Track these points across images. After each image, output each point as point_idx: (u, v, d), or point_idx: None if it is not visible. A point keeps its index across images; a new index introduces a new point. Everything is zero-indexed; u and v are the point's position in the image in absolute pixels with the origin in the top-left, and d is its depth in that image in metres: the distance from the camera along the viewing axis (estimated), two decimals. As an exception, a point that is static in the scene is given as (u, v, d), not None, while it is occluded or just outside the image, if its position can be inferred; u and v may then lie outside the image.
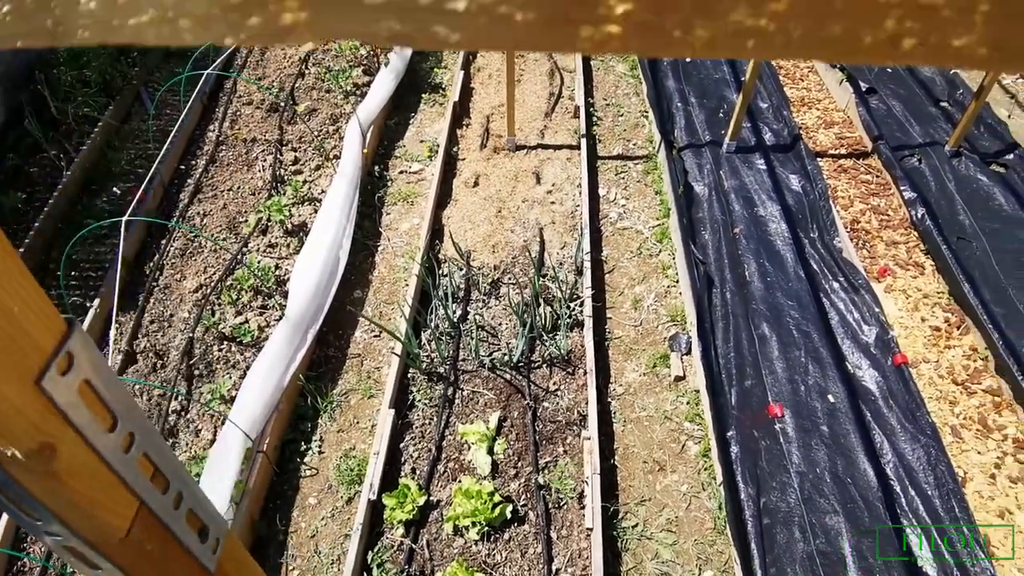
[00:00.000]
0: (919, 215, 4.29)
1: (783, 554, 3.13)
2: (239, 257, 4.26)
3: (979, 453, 3.39)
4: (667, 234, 4.63)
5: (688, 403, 3.74)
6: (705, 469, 3.49)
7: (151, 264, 4.31)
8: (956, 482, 3.22)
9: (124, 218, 3.32)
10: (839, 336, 3.88)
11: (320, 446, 3.64)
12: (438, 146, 5.21)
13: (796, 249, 4.29)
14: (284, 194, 4.69)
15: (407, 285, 4.26)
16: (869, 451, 3.40)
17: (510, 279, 4.28)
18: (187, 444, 3.49)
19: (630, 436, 3.64)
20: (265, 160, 4.97)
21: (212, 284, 4.13)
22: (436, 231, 4.66)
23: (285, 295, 4.04)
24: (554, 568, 3.14)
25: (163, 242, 4.45)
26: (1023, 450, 3.38)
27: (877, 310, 3.91)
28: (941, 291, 4.07)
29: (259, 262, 4.27)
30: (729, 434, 3.44)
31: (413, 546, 3.19)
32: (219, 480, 3.16)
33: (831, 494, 3.29)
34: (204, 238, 4.22)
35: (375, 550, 3.12)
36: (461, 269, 4.35)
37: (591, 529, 3.13)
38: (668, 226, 4.67)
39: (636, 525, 3.32)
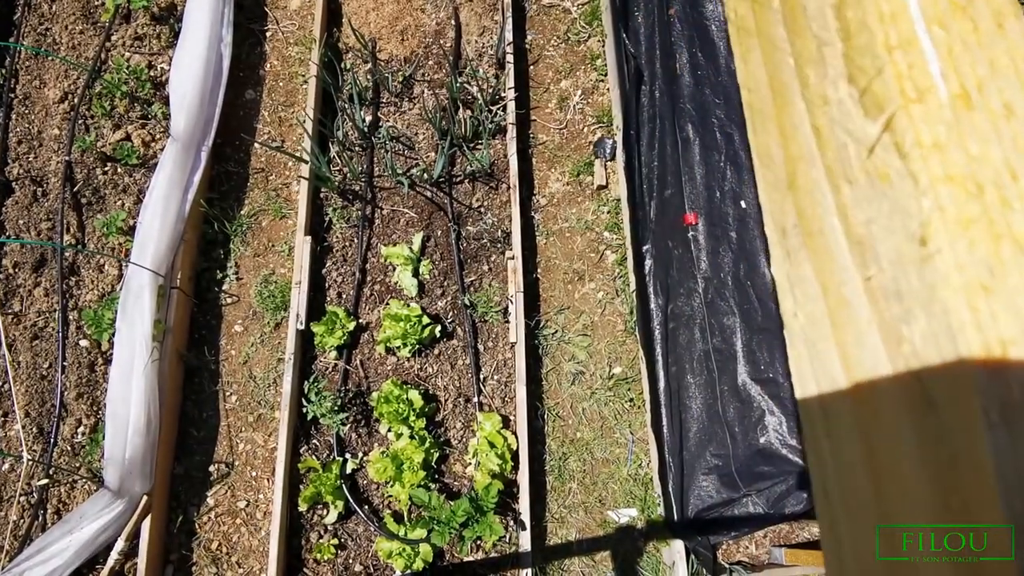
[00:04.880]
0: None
1: (684, 352, 3.50)
2: (103, 56, 3.62)
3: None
4: (597, 14, 4.19)
5: (609, 212, 3.78)
6: (620, 277, 3.68)
7: (2, 71, 3.61)
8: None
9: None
10: (760, 137, 3.85)
11: (237, 272, 3.56)
12: None
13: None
14: (140, -36, 3.83)
15: (306, 83, 3.80)
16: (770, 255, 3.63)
17: (424, 76, 3.87)
18: (92, 282, 3.32)
19: (552, 248, 3.71)
20: (104, -88, 3.94)
21: (80, 92, 3.55)
22: (333, 13, 4.03)
23: (166, 101, 3.55)
24: (482, 376, 3.41)
25: (10, 40, 3.67)
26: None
27: (801, 110, 3.84)
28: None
29: (128, 60, 3.65)
30: (645, 248, 3.57)
31: (347, 367, 3.35)
32: (138, 322, 3.10)
33: (731, 297, 3.58)
34: (56, 58, 3.51)
35: (311, 379, 3.27)
36: (366, 62, 3.88)
37: (515, 343, 3.35)
38: (599, 2, 4.21)
39: (556, 332, 3.57)
